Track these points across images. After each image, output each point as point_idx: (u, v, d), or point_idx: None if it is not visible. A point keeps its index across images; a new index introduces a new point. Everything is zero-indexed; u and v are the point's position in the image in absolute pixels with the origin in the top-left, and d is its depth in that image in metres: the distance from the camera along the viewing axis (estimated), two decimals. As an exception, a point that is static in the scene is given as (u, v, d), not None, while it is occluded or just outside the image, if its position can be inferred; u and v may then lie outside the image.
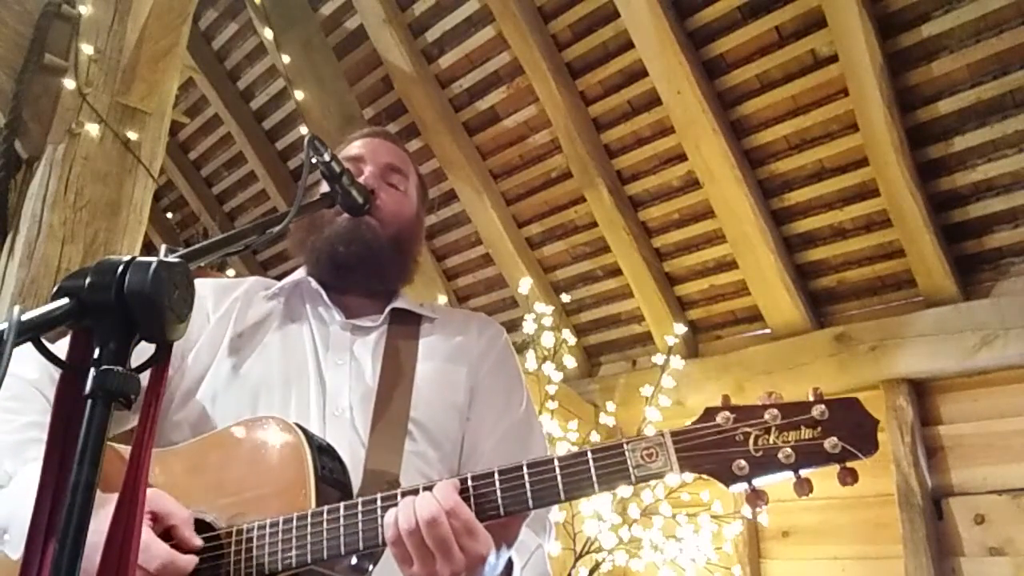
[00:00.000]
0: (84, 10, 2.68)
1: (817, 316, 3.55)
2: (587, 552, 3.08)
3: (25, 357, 1.14)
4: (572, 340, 3.54)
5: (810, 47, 3.09)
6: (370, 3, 3.80)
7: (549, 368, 3.26)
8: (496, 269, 4.28)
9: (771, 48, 3.17)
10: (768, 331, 3.63)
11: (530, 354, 3.26)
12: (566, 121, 3.62)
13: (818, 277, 3.54)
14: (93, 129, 2.56)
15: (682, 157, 3.51)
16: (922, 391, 3.20)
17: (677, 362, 3.27)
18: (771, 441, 0.87)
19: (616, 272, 3.94)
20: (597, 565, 3.10)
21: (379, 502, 0.93)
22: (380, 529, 0.91)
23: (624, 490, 3.02)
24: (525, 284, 3.63)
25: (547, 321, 3.36)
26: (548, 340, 3.33)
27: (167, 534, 0.95)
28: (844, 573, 3.19)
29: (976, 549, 2.94)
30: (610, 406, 3.55)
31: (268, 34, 3.95)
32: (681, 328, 3.42)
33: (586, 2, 3.40)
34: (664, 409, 3.18)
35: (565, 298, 3.96)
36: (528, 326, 3.35)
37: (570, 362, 3.39)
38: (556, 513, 1.30)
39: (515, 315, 4.03)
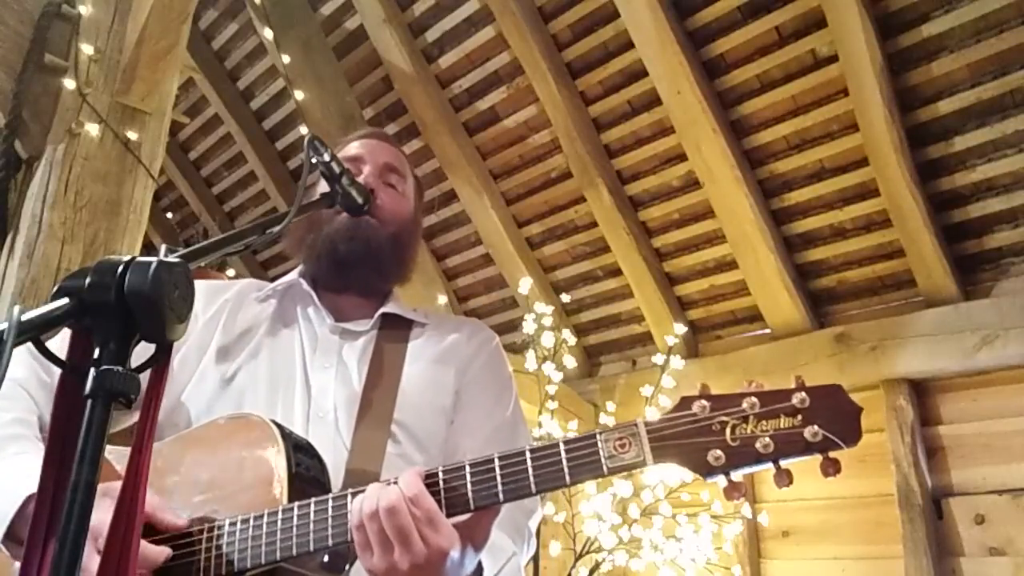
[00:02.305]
0: (84, 10, 2.67)
1: (817, 316, 3.55)
2: (587, 552, 3.08)
3: (14, 357, 1.15)
4: (572, 340, 3.54)
5: (810, 47, 3.09)
6: (370, 3, 3.80)
7: (549, 368, 3.26)
8: (496, 269, 4.27)
9: (771, 48, 3.17)
10: (768, 331, 3.63)
11: (530, 354, 3.26)
12: (566, 121, 3.62)
13: (818, 277, 3.54)
14: (93, 129, 2.55)
15: (682, 157, 3.51)
16: (922, 391, 3.20)
17: (677, 362, 3.27)
18: (749, 430, 0.83)
19: (616, 272, 3.94)
20: (597, 565, 3.10)
21: (349, 497, 0.91)
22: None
23: (624, 489, 3.03)
24: (525, 284, 3.63)
25: (547, 321, 3.36)
26: (548, 340, 3.33)
27: None
28: (844, 573, 3.19)
29: (976, 549, 2.94)
30: (610, 406, 3.55)
31: (268, 34, 3.95)
32: (681, 328, 3.42)
33: (586, 2, 3.40)
34: (664, 409, 3.17)
35: (565, 298, 3.96)
36: (528, 326, 3.35)
37: (570, 362, 3.38)
38: (535, 520, 1.26)
39: (515, 315, 4.03)
